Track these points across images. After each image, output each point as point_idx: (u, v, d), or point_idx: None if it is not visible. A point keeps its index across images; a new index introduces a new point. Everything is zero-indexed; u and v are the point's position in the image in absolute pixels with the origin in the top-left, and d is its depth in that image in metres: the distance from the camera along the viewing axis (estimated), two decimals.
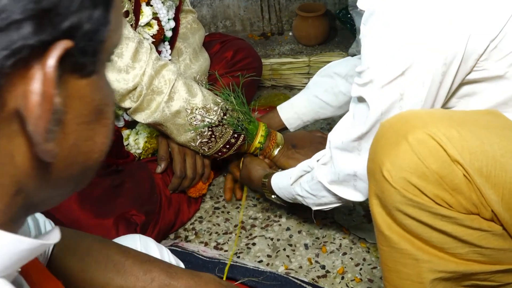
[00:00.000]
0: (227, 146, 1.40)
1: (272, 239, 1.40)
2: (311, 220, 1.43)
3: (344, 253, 1.34)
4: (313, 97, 1.49)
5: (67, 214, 1.28)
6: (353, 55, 1.95)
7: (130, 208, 1.35)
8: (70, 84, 0.40)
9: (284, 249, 1.37)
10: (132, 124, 1.50)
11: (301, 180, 1.19)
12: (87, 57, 0.40)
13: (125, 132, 1.50)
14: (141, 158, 1.51)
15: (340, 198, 1.12)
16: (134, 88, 1.28)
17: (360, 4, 0.95)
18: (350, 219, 1.42)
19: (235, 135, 1.39)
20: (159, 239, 1.39)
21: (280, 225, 1.44)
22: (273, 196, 1.32)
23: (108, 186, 1.36)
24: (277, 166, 1.46)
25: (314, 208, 1.20)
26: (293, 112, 1.52)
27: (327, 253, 1.34)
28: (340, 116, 1.16)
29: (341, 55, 1.96)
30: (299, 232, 1.41)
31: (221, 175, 1.63)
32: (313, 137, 1.49)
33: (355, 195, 1.09)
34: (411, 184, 0.77)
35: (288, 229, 1.43)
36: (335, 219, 1.43)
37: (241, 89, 1.41)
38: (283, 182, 1.26)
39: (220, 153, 1.42)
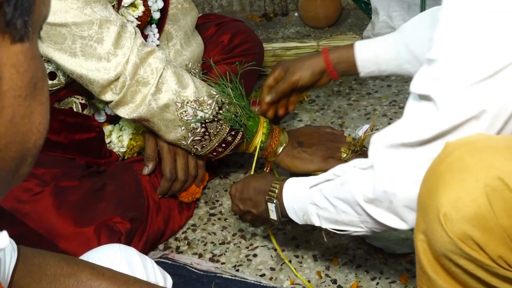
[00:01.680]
0: (223, 145, 1.39)
1: (276, 249, 1.39)
2: (320, 228, 1.42)
3: (359, 266, 1.33)
4: (402, 46, 1.31)
5: (42, 222, 1.30)
6: None
7: (113, 214, 1.35)
8: (3, 48, 0.44)
9: (290, 261, 1.36)
10: (115, 119, 1.50)
11: (324, 184, 1.05)
12: (19, 16, 0.44)
13: (107, 128, 1.49)
14: (126, 157, 1.51)
15: (373, 223, 0.96)
16: (116, 78, 1.28)
17: None
18: None
19: (232, 133, 1.38)
20: (146, 250, 1.40)
21: (285, 233, 1.44)
22: (270, 207, 1.17)
23: (88, 189, 1.36)
24: (281, 167, 1.44)
25: (326, 226, 1.07)
26: (373, 54, 1.35)
27: (339, 265, 1.34)
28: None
29: (354, 39, 1.95)
30: (307, 241, 1.41)
31: (216, 177, 1.64)
32: (322, 133, 1.49)
33: (393, 221, 0.93)
34: (472, 239, 0.73)
35: (294, 238, 1.42)
36: None
37: (240, 79, 1.40)
38: (300, 186, 1.12)
39: (215, 153, 1.41)
